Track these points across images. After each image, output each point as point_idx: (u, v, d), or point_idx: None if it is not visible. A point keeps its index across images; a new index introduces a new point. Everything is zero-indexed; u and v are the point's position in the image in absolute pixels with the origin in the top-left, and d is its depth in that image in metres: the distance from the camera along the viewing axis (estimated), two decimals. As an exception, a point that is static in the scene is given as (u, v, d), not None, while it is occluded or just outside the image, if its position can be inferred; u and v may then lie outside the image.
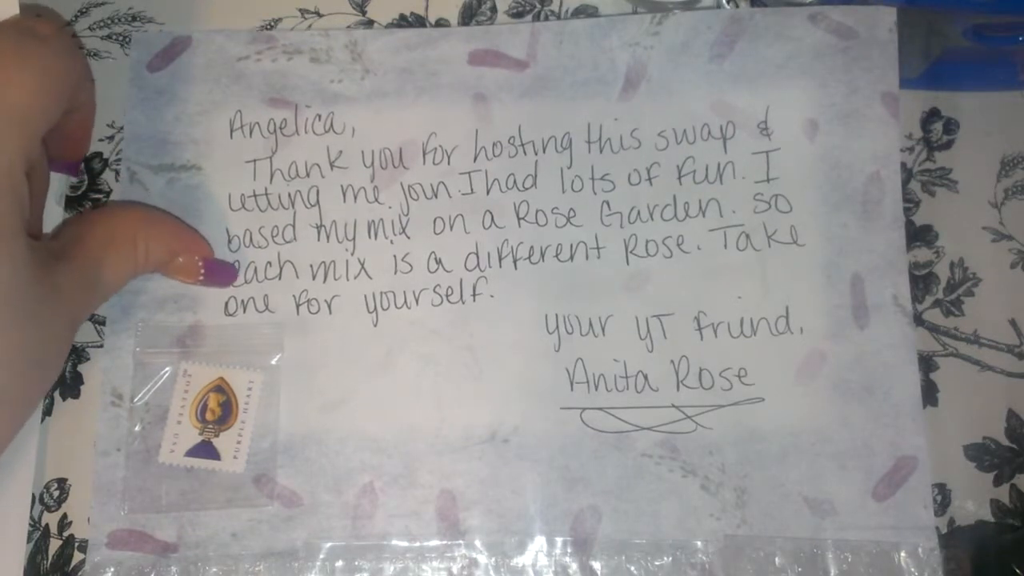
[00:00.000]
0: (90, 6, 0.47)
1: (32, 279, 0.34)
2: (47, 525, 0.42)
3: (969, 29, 0.42)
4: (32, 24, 0.36)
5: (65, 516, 0.42)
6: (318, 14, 0.47)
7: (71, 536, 0.42)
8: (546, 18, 0.47)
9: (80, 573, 0.42)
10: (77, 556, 0.42)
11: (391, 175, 0.45)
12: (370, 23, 0.47)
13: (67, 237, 0.38)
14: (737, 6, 0.46)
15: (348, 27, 0.47)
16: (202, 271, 0.42)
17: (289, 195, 0.44)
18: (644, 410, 0.42)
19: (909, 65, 0.44)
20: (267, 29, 0.47)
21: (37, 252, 0.34)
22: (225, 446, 0.42)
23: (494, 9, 0.47)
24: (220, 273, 0.43)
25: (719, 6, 0.46)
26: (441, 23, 0.47)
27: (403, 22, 0.47)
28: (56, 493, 0.43)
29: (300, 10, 0.47)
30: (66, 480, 0.43)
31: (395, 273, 0.44)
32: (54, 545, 0.42)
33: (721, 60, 0.45)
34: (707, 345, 0.43)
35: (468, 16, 0.47)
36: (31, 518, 0.42)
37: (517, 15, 0.47)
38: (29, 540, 0.42)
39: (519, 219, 0.44)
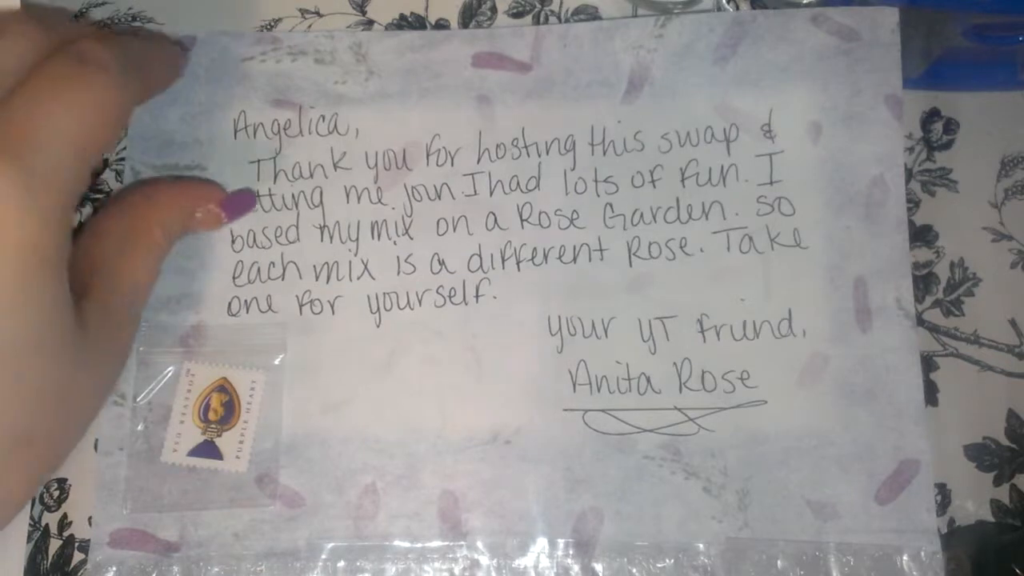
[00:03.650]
0: (90, 6, 0.47)
1: (71, 322, 0.33)
2: (47, 525, 0.42)
3: (969, 29, 0.42)
4: (88, 50, 0.34)
5: (65, 516, 0.42)
6: (318, 14, 0.47)
7: (71, 536, 0.42)
8: (546, 18, 0.47)
9: (82, 572, 0.42)
10: (77, 556, 0.42)
11: (394, 176, 0.44)
12: (370, 23, 0.47)
13: (81, 267, 0.36)
14: (737, 7, 0.46)
15: (348, 27, 0.47)
16: (223, 215, 0.42)
17: (293, 196, 0.44)
18: (646, 412, 0.42)
19: (909, 65, 0.44)
20: (267, 29, 0.47)
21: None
22: (228, 446, 0.42)
23: (494, 9, 0.47)
24: (240, 207, 0.43)
25: (719, 7, 0.46)
26: (441, 23, 0.47)
27: (403, 22, 0.47)
28: (56, 493, 0.43)
29: (300, 10, 0.47)
30: (66, 480, 0.43)
31: (398, 274, 0.44)
32: (54, 545, 0.42)
33: (724, 63, 0.45)
34: (710, 347, 0.43)
35: (468, 16, 0.47)
36: (31, 518, 0.42)
37: (517, 15, 0.47)
38: (29, 540, 0.42)
39: (522, 221, 0.44)
